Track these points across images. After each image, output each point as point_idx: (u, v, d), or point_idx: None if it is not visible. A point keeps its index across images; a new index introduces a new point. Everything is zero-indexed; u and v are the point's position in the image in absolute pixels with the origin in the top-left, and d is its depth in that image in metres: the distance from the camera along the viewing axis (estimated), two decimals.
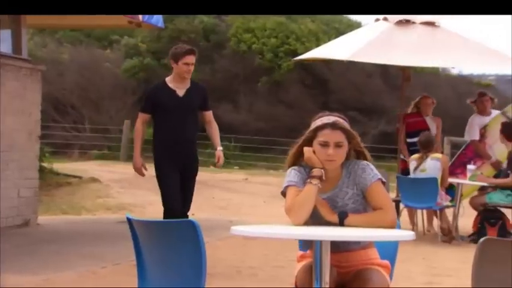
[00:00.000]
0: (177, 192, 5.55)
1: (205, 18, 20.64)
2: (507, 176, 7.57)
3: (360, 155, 3.20)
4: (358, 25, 18.98)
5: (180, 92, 5.61)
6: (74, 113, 19.05)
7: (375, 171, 3.14)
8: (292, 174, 3.18)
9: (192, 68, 5.57)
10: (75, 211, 9.77)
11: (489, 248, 2.15)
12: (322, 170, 3.09)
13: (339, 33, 18.67)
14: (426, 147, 7.56)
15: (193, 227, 2.60)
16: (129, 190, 11.56)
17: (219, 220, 9.03)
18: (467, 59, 8.14)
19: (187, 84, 5.64)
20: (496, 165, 8.07)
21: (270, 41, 19.76)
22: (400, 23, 8.20)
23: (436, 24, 8.24)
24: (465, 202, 8.07)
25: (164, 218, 5.43)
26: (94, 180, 11.70)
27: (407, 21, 8.16)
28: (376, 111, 17.07)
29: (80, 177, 11.67)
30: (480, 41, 8.41)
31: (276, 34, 20.01)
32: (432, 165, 7.45)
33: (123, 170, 14.57)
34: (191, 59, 5.56)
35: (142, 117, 5.71)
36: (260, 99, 18.39)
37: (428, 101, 8.35)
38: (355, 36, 8.54)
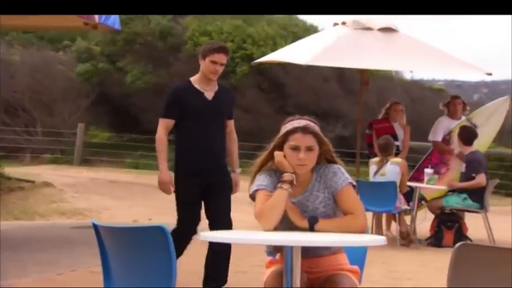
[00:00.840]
0: (195, 216, 4.85)
1: (161, 20, 20.46)
2: (468, 179, 7.67)
3: (331, 162, 3.17)
4: (315, 29, 19.10)
5: (209, 95, 4.88)
6: (25, 116, 18.64)
7: (346, 175, 3.12)
8: (261, 178, 3.14)
9: (219, 68, 4.84)
10: (28, 216, 9.54)
11: (465, 253, 2.13)
12: (293, 175, 3.05)
13: (296, 37, 18.74)
14: (386, 151, 7.60)
15: (163, 233, 2.53)
16: (84, 195, 11.36)
17: None
18: (425, 63, 8.24)
19: (215, 86, 4.94)
20: (461, 156, 8.13)
21: (227, 44, 19.72)
22: (358, 27, 8.25)
23: (393, 29, 8.31)
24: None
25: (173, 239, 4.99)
26: (47, 184, 11.46)
27: (366, 27, 8.21)
28: (332, 116, 17.17)
29: (32, 182, 11.41)
30: (436, 46, 8.53)
31: (233, 38, 19.96)
32: (391, 170, 7.51)
33: (76, 174, 14.33)
34: (220, 57, 4.83)
35: (166, 124, 4.87)
36: None
37: (398, 107, 8.40)
38: (314, 41, 8.57)
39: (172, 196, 5.06)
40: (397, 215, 7.67)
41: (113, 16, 7.10)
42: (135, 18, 20.26)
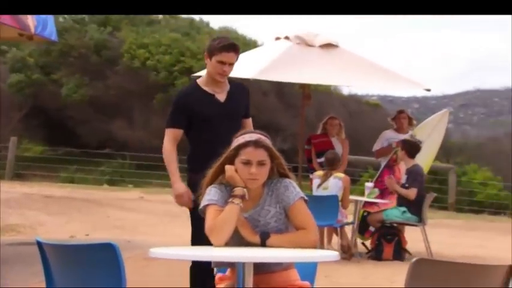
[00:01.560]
0: None
1: (95, 34, 20.19)
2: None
3: (282, 176, 3.14)
4: (254, 43, 19.17)
5: (221, 97, 4.30)
6: None
7: (298, 189, 3.10)
8: (212, 193, 3.08)
9: (228, 69, 4.23)
10: None
11: (420, 268, 2.13)
12: (245, 189, 3.00)
13: None
14: (332, 165, 7.64)
15: (112, 249, 2.45)
16: (17, 210, 11.00)
17: (116, 240, 8.69)
18: (364, 78, 8.34)
19: (227, 86, 4.33)
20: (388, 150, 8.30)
21: (165, 57, 19.56)
22: (300, 42, 8.30)
23: (334, 44, 8.39)
24: None
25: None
26: None
27: (308, 44, 8.27)
28: (272, 129, 17.21)
29: None
30: (376, 61, 8.65)
31: (171, 50, 19.83)
32: (334, 184, 7.55)
33: (9, 189, 13.86)
34: (229, 57, 4.21)
35: (172, 134, 4.24)
36: (156, 116, 18.10)
37: (335, 122, 8.44)
38: (257, 55, 8.56)
39: (109, 210, 4.81)
40: (338, 229, 7.71)
41: (49, 27, 6.90)
42: (70, 30, 19.90)
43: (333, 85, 17.57)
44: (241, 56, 9.03)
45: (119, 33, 20.46)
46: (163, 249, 2.83)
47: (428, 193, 8.13)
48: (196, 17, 22.50)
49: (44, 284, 2.63)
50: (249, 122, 4.46)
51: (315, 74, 8.14)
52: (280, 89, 17.91)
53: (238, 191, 3.00)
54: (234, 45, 4.29)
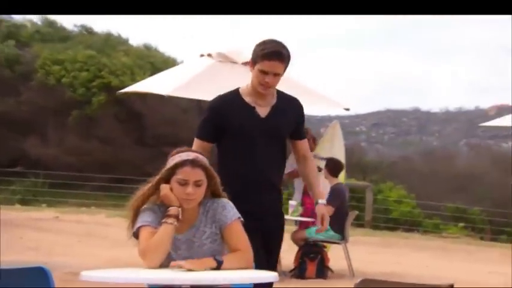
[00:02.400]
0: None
1: (6, 48, 19.60)
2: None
3: (215, 196, 3.08)
4: (173, 61, 19.09)
5: (263, 111, 3.62)
6: None
7: (235, 210, 3.04)
8: (145, 214, 2.98)
9: (272, 81, 3.53)
10: None
11: None
12: (179, 209, 2.92)
13: (154, 67, 18.61)
14: None
15: (44, 274, 2.32)
16: None
17: (31, 262, 8.37)
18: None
19: (273, 99, 3.66)
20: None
21: (81, 74, 19.18)
22: (223, 60, 8.28)
23: None
24: None
25: None
26: None
27: (230, 61, 8.26)
28: (191, 146, 17.18)
29: None
30: (297, 80, 8.73)
31: (88, 67, 19.47)
32: None
33: None
34: (273, 66, 3.52)
35: (198, 145, 3.60)
36: (71, 133, 17.69)
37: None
38: (178, 72, 8.49)
39: (22, 231, 4.50)
40: None
41: None
42: None
43: None
44: (162, 73, 9.05)
45: (31, 49, 19.94)
46: (96, 272, 2.70)
47: (351, 211, 8.24)
48: (115, 33, 22.20)
49: None
50: (302, 144, 3.75)
51: None
52: (201, 106, 17.85)
53: (173, 210, 2.92)
54: (279, 52, 3.52)
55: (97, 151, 17.32)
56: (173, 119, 17.70)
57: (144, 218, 2.96)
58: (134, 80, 16.49)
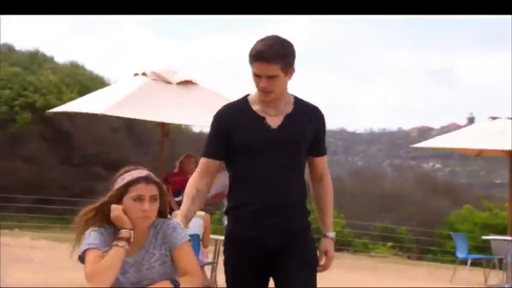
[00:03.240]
0: None
1: None
2: None
3: (161, 215, 2.98)
4: (101, 79, 18.79)
5: (274, 121, 3.08)
6: None
7: (186, 232, 2.97)
8: (92, 236, 2.87)
9: (269, 85, 3.00)
10: None
11: None
12: (132, 232, 2.83)
13: (82, 86, 18.25)
14: None
15: None
16: None
17: None
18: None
19: (287, 108, 3.10)
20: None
21: (4, 92, 18.61)
22: (157, 79, 8.19)
23: (192, 82, 8.37)
24: None
25: None
26: None
27: (165, 81, 8.18)
28: (122, 167, 16.84)
29: None
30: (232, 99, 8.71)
31: (11, 85, 18.92)
32: (195, 223, 7.43)
33: None
34: (262, 68, 2.97)
35: (203, 165, 3.13)
36: None
37: (191, 160, 8.44)
38: (112, 90, 8.34)
39: None
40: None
41: None
42: None
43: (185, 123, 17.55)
44: (96, 92, 8.86)
45: None
46: None
47: None
48: (40, 50, 21.68)
49: None
50: (321, 161, 3.15)
51: (172, 113, 8.05)
52: (131, 126, 17.62)
53: (124, 233, 2.82)
54: (261, 52, 2.95)
55: (22, 171, 16.78)
56: (102, 139, 17.38)
57: (91, 241, 2.85)
58: (60, 99, 16.13)
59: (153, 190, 2.87)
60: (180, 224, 2.97)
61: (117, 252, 2.79)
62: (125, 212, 2.85)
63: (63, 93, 17.01)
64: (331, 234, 3.16)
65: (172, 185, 8.33)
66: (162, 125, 8.56)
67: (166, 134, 8.61)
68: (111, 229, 2.89)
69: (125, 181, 2.87)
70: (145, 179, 2.87)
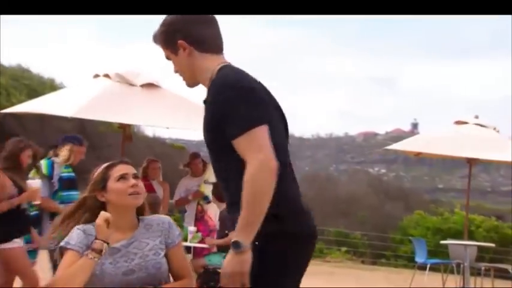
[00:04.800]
0: None
1: None
2: (222, 237, 7.71)
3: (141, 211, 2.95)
4: (51, 82, 18.37)
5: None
6: None
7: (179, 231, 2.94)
8: (74, 234, 2.77)
9: (174, 70, 2.63)
10: None
11: None
12: (106, 245, 2.72)
13: (30, 89, 17.78)
14: (153, 209, 7.35)
15: None
16: None
17: None
18: (184, 119, 8.24)
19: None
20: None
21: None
22: (120, 81, 8.02)
23: (156, 85, 8.22)
24: None
25: None
26: None
27: (128, 83, 8.03)
28: (74, 171, 16.46)
29: None
30: (196, 102, 8.60)
31: None
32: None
33: None
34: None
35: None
36: None
37: (156, 165, 8.31)
38: (76, 92, 8.11)
39: None
40: None
41: None
42: None
43: (137, 126, 17.33)
44: (59, 93, 8.58)
45: None
46: None
47: None
48: None
49: None
50: (238, 144, 2.37)
51: (135, 114, 7.90)
52: (82, 129, 17.22)
53: (97, 244, 2.70)
54: (153, 36, 2.63)
55: None
56: (53, 142, 16.95)
57: (70, 240, 2.76)
58: (9, 101, 15.67)
59: (133, 169, 2.86)
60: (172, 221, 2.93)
61: (85, 263, 2.68)
62: (113, 198, 2.78)
63: (12, 95, 16.52)
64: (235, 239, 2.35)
65: None
66: (124, 127, 8.36)
67: (128, 138, 8.41)
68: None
69: (104, 165, 2.85)
70: (122, 161, 2.89)
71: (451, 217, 16.50)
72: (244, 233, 2.28)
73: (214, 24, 2.55)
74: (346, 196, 19.91)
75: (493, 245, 10.85)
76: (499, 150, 9.75)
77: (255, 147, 2.31)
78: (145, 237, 2.82)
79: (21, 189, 5.60)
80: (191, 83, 2.57)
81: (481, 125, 10.15)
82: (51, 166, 6.31)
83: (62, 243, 2.74)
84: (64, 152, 6.41)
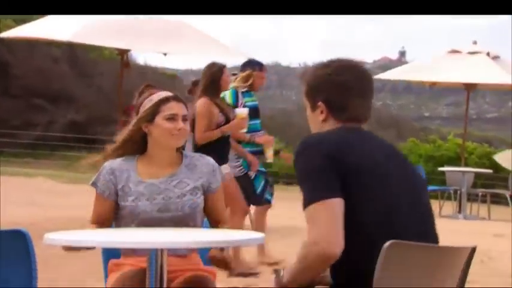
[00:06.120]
0: None
1: None
2: None
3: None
4: None
5: None
6: None
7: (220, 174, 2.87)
8: (101, 175, 2.73)
9: None
10: None
11: (393, 252, 1.98)
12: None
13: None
14: None
15: (22, 237, 2.03)
16: None
17: None
18: (185, 45, 8.12)
19: None
20: None
21: None
22: None
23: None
24: None
25: None
26: None
27: None
28: (64, 99, 16.26)
29: None
30: (196, 27, 8.44)
31: None
32: None
33: None
34: None
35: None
36: None
37: (153, 91, 8.15)
38: (73, 17, 7.92)
39: None
40: None
41: None
42: None
43: (129, 54, 17.03)
44: (50, 18, 8.36)
45: None
46: (58, 234, 2.34)
47: None
48: None
49: None
50: None
51: (135, 40, 7.80)
52: (73, 56, 16.94)
53: None
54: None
55: None
56: (43, 69, 16.67)
57: (98, 181, 2.74)
58: None
59: (184, 110, 2.78)
60: (216, 164, 2.85)
61: None
62: (156, 133, 2.73)
63: None
64: None
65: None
66: (122, 53, 8.22)
67: (126, 64, 8.29)
68: (134, 158, 2.76)
69: (157, 99, 2.76)
70: (175, 98, 2.79)
71: (444, 144, 16.58)
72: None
73: None
74: None
75: (490, 171, 10.97)
76: (495, 76, 9.71)
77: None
78: (187, 177, 2.76)
79: (227, 117, 5.36)
80: None
81: (475, 52, 10.09)
82: (236, 95, 5.91)
83: (92, 180, 2.73)
84: (244, 77, 5.97)
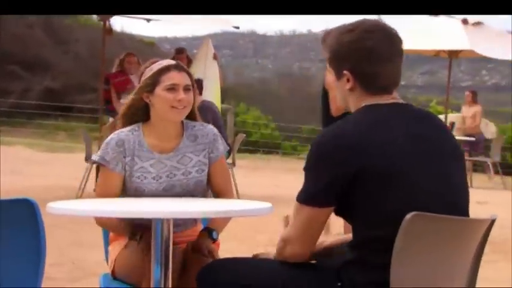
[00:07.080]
0: None
1: None
2: None
3: (192, 118, 2.71)
4: None
5: None
6: None
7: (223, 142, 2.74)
8: (108, 148, 2.60)
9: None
10: None
11: (415, 223, 1.93)
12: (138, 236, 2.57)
13: None
14: None
15: (30, 206, 1.96)
16: None
17: None
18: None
19: None
20: None
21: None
22: None
23: None
24: None
25: None
26: None
27: None
28: (40, 66, 15.93)
29: None
30: None
31: None
32: None
33: None
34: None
35: None
36: None
37: (133, 59, 8.02)
38: None
39: None
40: None
41: None
42: None
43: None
44: None
45: None
46: (62, 203, 2.27)
47: (239, 134, 8.09)
48: None
49: None
50: None
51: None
52: (49, 22, 16.57)
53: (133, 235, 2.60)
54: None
55: None
56: (17, 35, 16.29)
57: (104, 154, 2.59)
58: None
59: (186, 79, 2.61)
60: (217, 131, 2.73)
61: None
62: (156, 104, 2.59)
63: None
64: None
65: (114, 87, 7.94)
66: (104, 20, 8.03)
67: (108, 31, 8.11)
68: (139, 128, 2.64)
69: (156, 68, 2.60)
70: (177, 67, 2.62)
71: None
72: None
73: None
74: (317, 93, 19.81)
75: (473, 139, 11.02)
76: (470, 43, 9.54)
77: None
78: (189, 151, 2.64)
79: None
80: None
81: (452, 17, 9.94)
82: None
83: (97, 158, 2.59)
84: None
